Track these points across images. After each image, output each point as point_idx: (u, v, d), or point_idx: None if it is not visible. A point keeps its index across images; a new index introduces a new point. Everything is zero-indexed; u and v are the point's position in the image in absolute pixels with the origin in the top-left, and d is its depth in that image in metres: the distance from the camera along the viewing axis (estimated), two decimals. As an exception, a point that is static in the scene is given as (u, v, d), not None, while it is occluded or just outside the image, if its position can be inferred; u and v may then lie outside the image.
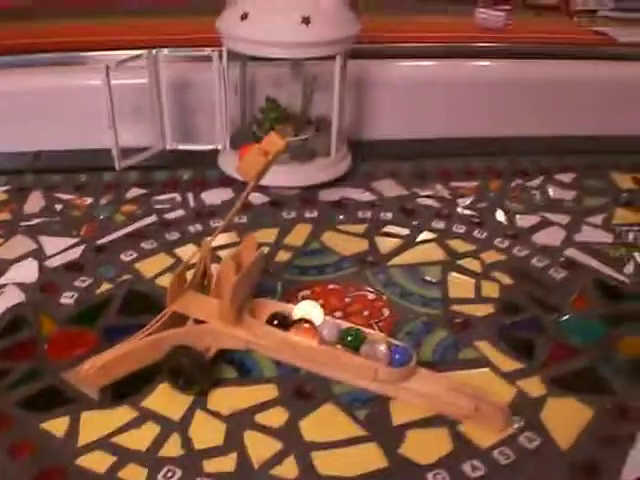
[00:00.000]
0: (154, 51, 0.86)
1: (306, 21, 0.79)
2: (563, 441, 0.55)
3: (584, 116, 1.09)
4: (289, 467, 0.52)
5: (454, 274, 0.75)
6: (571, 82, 1.08)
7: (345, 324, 0.60)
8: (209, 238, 0.63)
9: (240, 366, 0.61)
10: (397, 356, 0.57)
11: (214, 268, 0.65)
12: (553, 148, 1.06)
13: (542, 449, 0.55)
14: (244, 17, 0.79)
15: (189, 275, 0.64)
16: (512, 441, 0.55)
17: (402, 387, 0.57)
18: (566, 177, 0.97)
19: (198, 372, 0.56)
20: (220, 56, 0.85)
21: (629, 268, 0.77)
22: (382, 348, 0.57)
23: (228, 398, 0.58)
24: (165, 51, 0.87)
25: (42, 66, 0.99)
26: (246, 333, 0.60)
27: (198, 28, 1.01)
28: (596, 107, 1.09)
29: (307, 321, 0.59)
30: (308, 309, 0.60)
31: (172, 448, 0.54)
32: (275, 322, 0.59)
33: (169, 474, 0.51)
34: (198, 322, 0.62)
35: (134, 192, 0.90)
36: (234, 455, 0.53)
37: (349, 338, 0.58)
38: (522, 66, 1.08)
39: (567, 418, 0.58)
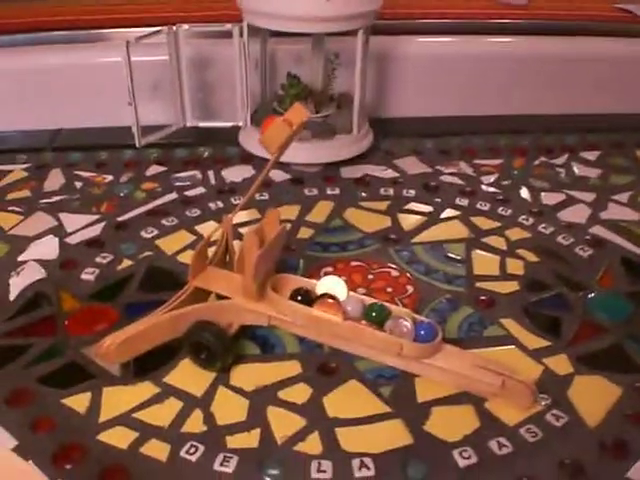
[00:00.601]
0: (174, 27, 0.85)
1: (328, -5, 0.78)
2: (591, 419, 0.54)
3: (607, 93, 1.08)
4: (313, 443, 0.52)
5: (478, 251, 0.74)
6: (595, 59, 1.06)
7: (369, 300, 0.59)
8: (230, 214, 0.63)
9: (263, 342, 0.60)
10: (422, 332, 0.56)
11: (236, 244, 0.64)
12: (577, 126, 1.04)
13: (569, 427, 0.54)
14: (265, -9, 0.78)
15: (210, 251, 0.63)
16: (539, 419, 0.54)
17: (427, 363, 0.56)
18: (591, 155, 0.96)
19: (220, 348, 0.56)
20: (241, 31, 0.84)
21: (656, 245, 0.76)
22: (407, 324, 0.56)
23: (251, 374, 0.57)
24: (185, 27, 0.86)
25: (61, 43, 0.98)
26: (269, 308, 0.59)
27: (218, 3, 1.00)
28: (619, 84, 1.07)
29: (331, 296, 0.58)
30: (332, 284, 0.59)
31: (195, 424, 0.53)
32: (298, 297, 0.58)
33: (192, 450, 0.51)
34: (220, 298, 0.61)
35: (154, 169, 0.89)
36: (257, 431, 0.52)
37: (373, 314, 0.57)
38: (545, 42, 1.06)
39: (595, 396, 0.57)
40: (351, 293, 0.59)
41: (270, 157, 0.60)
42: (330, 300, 0.57)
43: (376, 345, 0.56)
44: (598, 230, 0.78)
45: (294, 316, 0.58)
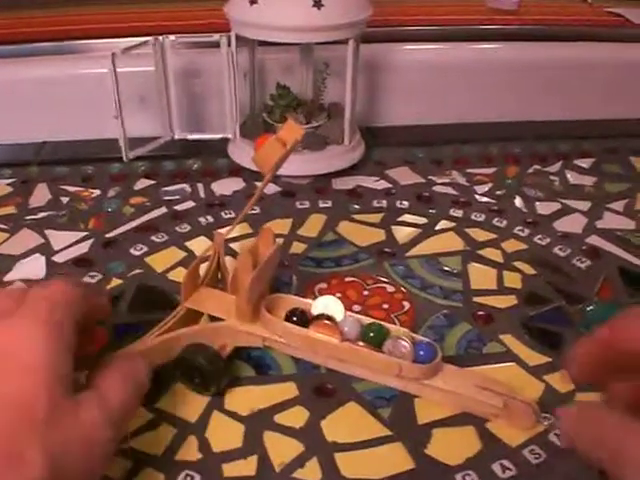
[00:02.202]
0: (161, 38, 0.83)
1: (318, 4, 0.76)
2: (595, 438, 0.53)
3: (599, 99, 1.07)
4: (312, 470, 0.50)
5: (474, 264, 0.73)
6: (586, 65, 1.05)
7: (366, 319, 0.58)
8: (222, 231, 0.61)
9: (257, 364, 0.59)
10: (421, 352, 0.54)
11: (227, 260, 0.63)
12: (570, 132, 1.03)
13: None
14: (253, 1, 0.77)
15: (202, 270, 0.61)
16: (542, 439, 0.53)
17: (427, 384, 0.54)
18: (585, 162, 0.95)
19: (215, 371, 0.54)
20: (229, 42, 0.82)
21: (654, 255, 0.75)
22: (406, 344, 0.54)
23: (246, 398, 0.56)
24: (172, 37, 0.84)
25: (45, 55, 0.97)
26: (264, 330, 0.57)
27: (205, 13, 0.99)
28: (611, 90, 1.07)
29: (327, 317, 0.56)
30: (328, 304, 0.58)
31: (189, 451, 0.51)
32: (294, 319, 0.57)
33: (188, 479, 0.49)
34: (213, 319, 0.60)
35: (142, 183, 0.87)
36: (254, 458, 0.51)
37: (371, 334, 0.56)
38: (536, 48, 1.05)
39: (598, 414, 0.55)
40: (348, 313, 0.58)
41: (263, 173, 0.58)
42: (326, 321, 0.56)
43: (375, 366, 0.55)
44: (595, 240, 0.77)
45: (289, 338, 0.56)
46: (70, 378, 0.40)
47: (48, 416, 0.37)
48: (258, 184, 0.86)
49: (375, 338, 0.55)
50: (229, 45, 0.82)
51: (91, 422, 0.40)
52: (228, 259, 0.64)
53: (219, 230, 0.70)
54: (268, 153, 0.56)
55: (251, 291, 0.55)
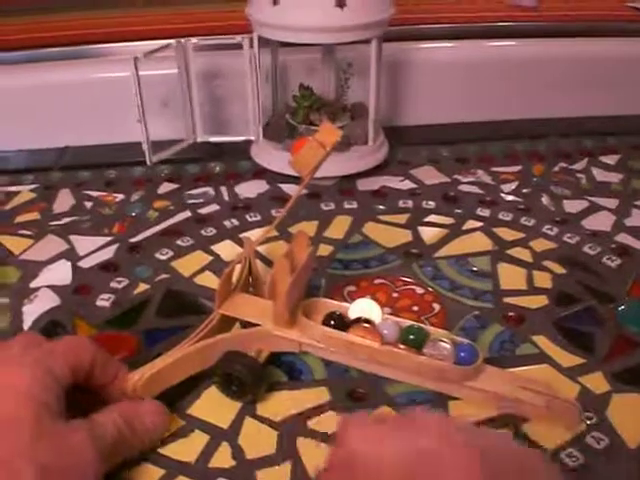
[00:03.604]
0: (183, 40, 0.83)
1: (340, 4, 0.76)
2: (632, 441, 0.52)
3: (623, 95, 1.06)
4: (347, 475, 0.50)
5: (504, 264, 0.72)
6: (608, 60, 1.04)
7: (405, 322, 0.57)
8: (253, 233, 0.60)
9: (289, 369, 0.58)
10: (462, 354, 0.54)
11: (259, 266, 0.62)
12: (594, 129, 1.02)
13: (611, 450, 0.51)
14: (276, 2, 0.76)
15: (234, 276, 0.61)
16: (579, 442, 0.52)
17: (469, 386, 0.54)
18: (610, 159, 0.94)
19: (253, 378, 0.53)
20: (251, 43, 0.82)
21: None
22: (447, 346, 0.54)
23: (278, 403, 0.55)
24: (194, 40, 0.84)
25: (66, 59, 0.97)
26: (302, 335, 0.57)
27: (226, 15, 0.99)
28: (635, 86, 1.05)
29: (366, 320, 0.56)
30: (365, 307, 0.57)
31: (223, 458, 0.51)
32: (332, 322, 0.56)
33: (221, 487, 0.49)
34: (246, 324, 0.59)
35: (166, 187, 0.87)
36: (288, 464, 0.50)
37: (411, 336, 0.55)
38: (557, 44, 1.05)
39: (635, 415, 0.54)
40: (385, 316, 0.57)
41: (301, 176, 0.58)
42: (366, 325, 0.55)
43: (416, 369, 0.54)
44: (624, 238, 0.76)
45: (328, 342, 0.56)
46: (57, 406, 0.45)
47: (35, 432, 0.42)
48: (282, 186, 0.86)
49: (415, 341, 0.55)
50: (251, 47, 0.82)
51: (78, 440, 0.44)
52: (258, 263, 0.63)
53: (246, 234, 0.70)
54: (307, 156, 0.55)
55: (289, 296, 0.54)
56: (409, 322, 0.57)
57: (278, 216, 0.60)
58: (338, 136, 0.55)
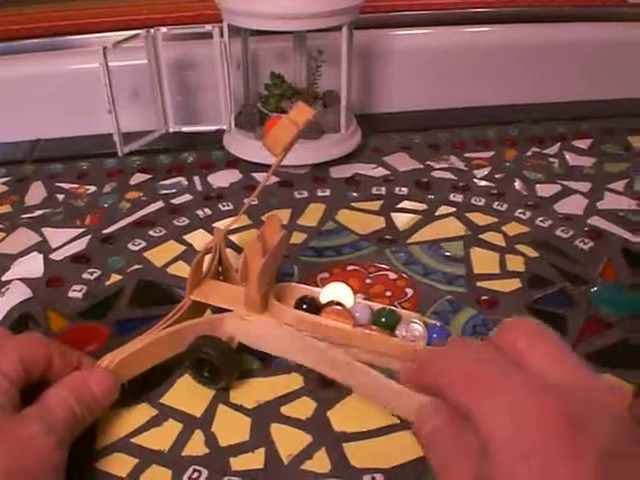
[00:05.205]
0: (152, 30, 0.82)
1: (310, -9, 0.75)
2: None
3: (594, 80, 1.06)
4: (321, 461, 0.49)
5: (477, 249, 0.72)
6: (580, 45, 1.05)
7: (377, 305, 0.57)
8: (225, 222, 0.60)
9: (262, 355, 0.58)
10: (434, 335, 0.53)
11: (230, 255, 0.62)
12: (566, 114, 1.03)
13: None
14: (245, -10, 0.76)
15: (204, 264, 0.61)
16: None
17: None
18: (583, 143, 0.94)
19: (225, 363, 0.53)
20: (221, 32, 0.81)
21: (657, 234, 0.74)
22: (419, 328, 0.54)
23: (251, 390, 0.55)
24: (163, 29, 0.83)
25: (35, 52, 0.96)
26: (274, 319, 0.57)
27: (196, 5, 0.98)
28: (606, 70, 1.06)
29: (337, 303, 0.56)
30: (337, 291, 0.57)
31: (196, 446, 0.51)
32: (304, 306, 0.56)
33: (195, 475, 0.48)
34: (217, 311, 0.59)
35: (138, 178, 0.86)
36: (262, 450, 0.50)
37: (383, 319, 0.55)
38: (531, 30, 1.05)
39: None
40: (358, 299, 0.57)
41: (274, 156, 0.57)
42: (338, 307, 0.55)
43: (389, 351, 0.54)
44: (596, 221, 0.77)
45: (302, 326, 0.55)
46: (8, 402, 0.45)
47: None
48: (255, 175, 0.86)
49: (387, 323, 0.54)
50: (221, 35, 0.81)
51: (31, 433, 0.44)
52: (229, 251, 0.63)
53: (218, 224, 0.69)
54: (280, 134, 0.55)
55: (261, 278, 0.54)
56: (380, 305, 0.57)
57: (248, 200, 0.59)
58: (311, 114, 0.55)
